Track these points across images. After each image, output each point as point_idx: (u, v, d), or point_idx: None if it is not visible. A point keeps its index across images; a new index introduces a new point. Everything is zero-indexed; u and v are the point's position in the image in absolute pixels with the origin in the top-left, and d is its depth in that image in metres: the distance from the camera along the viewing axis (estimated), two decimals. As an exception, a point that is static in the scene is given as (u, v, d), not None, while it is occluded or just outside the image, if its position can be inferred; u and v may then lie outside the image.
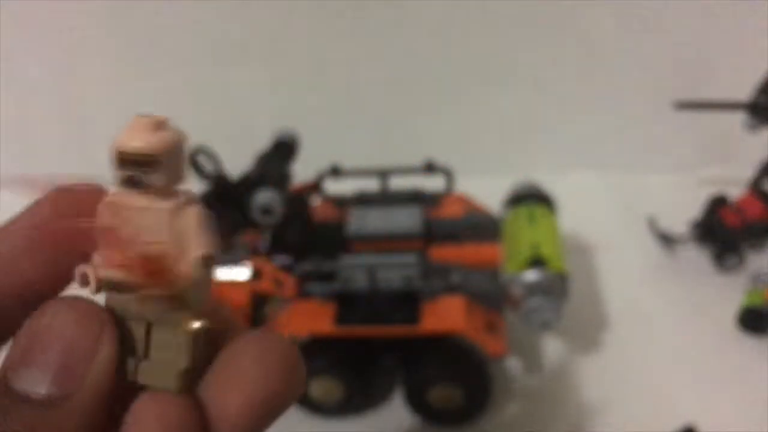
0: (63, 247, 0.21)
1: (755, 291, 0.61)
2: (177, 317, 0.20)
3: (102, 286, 0.20)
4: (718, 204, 0.68)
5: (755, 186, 0.67)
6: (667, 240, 0.69)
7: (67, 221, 0.21)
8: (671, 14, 0.73)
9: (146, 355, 0.21)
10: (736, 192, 0.68)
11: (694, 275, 0.67)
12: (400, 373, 0.57)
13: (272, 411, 0.20)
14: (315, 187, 0.64)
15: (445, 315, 0.53)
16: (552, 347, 0.61)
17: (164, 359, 0.20)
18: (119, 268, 0.20)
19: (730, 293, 0.63)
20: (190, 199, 0.21)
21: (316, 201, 0.65)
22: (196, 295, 0.20)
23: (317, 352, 0.54)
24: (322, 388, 0.55)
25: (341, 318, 0.54)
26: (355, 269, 0.55)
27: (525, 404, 0.57)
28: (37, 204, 0.21)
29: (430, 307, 0.54)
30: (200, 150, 0.55)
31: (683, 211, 0.69)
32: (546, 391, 0.58)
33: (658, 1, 0.72)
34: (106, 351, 0.19)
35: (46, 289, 0.21)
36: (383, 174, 0.63)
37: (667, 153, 0.79)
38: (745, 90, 0.65)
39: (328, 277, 0.55)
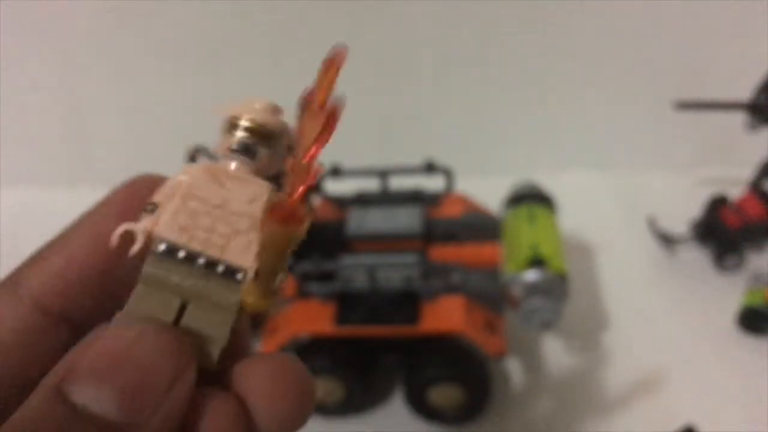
0: (120, 258, 0.20)
1: (755, 291, 0.61)
2: (223, 294, 0.20)
3: (150, 247, 0.20)
4: (718, 204, 0.68)
5: (755, 186, 0.67)
6: (667, 240, 0.69)
7: (128, 225, 0.20)
8: (671, 15, 0.73)
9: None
10: (736, 192, 0.68)
11: (694, 275, 0.67)
12: (400, 373, 0.57)
13: None
14: (315, 187, 0.64)
15: (445, 315, 0.53)
16: (552, 347, 0.61)
17: (198, 335, 0.20)
18: (182, 230, 0.20)
19: (730, 293, 0.63)
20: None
21: (316, 201, 0.65)
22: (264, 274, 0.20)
23: (317, 352, 0.54)
24: (322, 388, 0.55)
25: (341, 318, 0.54)
26: (355, 269, 0.55)
27: (525, 404, 0.57)
28: (105, 204, 0.21)
29: (430, 307, 0.54)
30: (200, 150, 0.55)
31: (683, 211, 0.69)
32: (546, 391, 0.58)
33: (659, 1, 0.72)
34: (187, 383, 0.18)
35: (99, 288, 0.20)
36: (383, 174, 0.63)
37: (667, 153, 0.79)
38: (745, 90, 0.65)
39: (328, 277, 0.55)
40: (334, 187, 0.65)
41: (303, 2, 0.74)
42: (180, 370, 0.18)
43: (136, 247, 0.20)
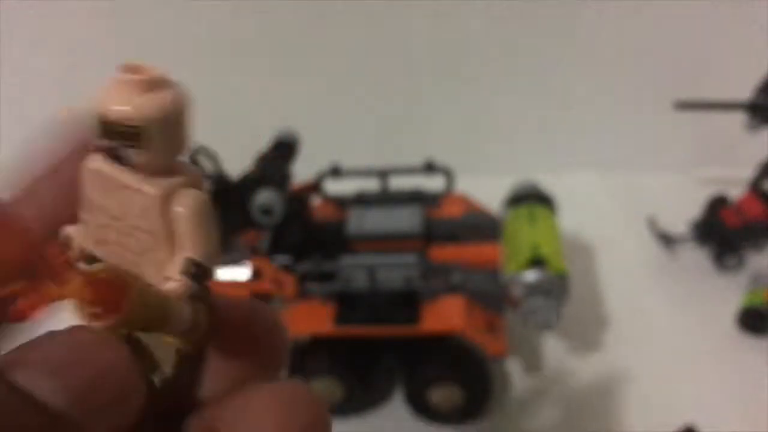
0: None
1: (755, 291, 0.61)
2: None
3: (82, 257, 0.17)
4: (718, 204, 0.68)
5: (755, 186, 0.66)
6: (667, 240, 0.68)
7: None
8: (671, 14, 0.73)
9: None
10: (736, 192, 0.68)
11: (694, 275, 0.67)
12: (400, 373, 0.57)
13: None
14: (315, 187, 0.64)
15: (445, 315, 0.53)
16: (552, 347, 0.61)
17: (148, 354, 0.17)
18: (97, 243, 0.17)
19: (730, 293, 0.63)
20: (191, 181, 0.16)
21: (316, 201, 0.65)
22: (181, 312, 0.16)
23: (317, 352, 0.55)
24: (322, 388, 0.55)
25: (341, 318, 0.54)
26: (355, 269, 0.55)
27: (525, 404, 0.57)
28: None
29: (430, 307, 0.53)
30: (200, 150, 0.55)
31: (683, 211, 0.69)
32: (546, 391, 0.58)
33: (659, 1, 0.72)
34: (129, 405, 0.15)
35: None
36: (383, 174, 0.63)
37: (667, 153, 0.79)
38: (745, 90, 0.65)
39: (328, 277, 0.55)
40: (334, 187, 0.64)
41: (304, 3, 0.74)
42: (130, 387, 0.15)
43: (72, 255, 0.17)
